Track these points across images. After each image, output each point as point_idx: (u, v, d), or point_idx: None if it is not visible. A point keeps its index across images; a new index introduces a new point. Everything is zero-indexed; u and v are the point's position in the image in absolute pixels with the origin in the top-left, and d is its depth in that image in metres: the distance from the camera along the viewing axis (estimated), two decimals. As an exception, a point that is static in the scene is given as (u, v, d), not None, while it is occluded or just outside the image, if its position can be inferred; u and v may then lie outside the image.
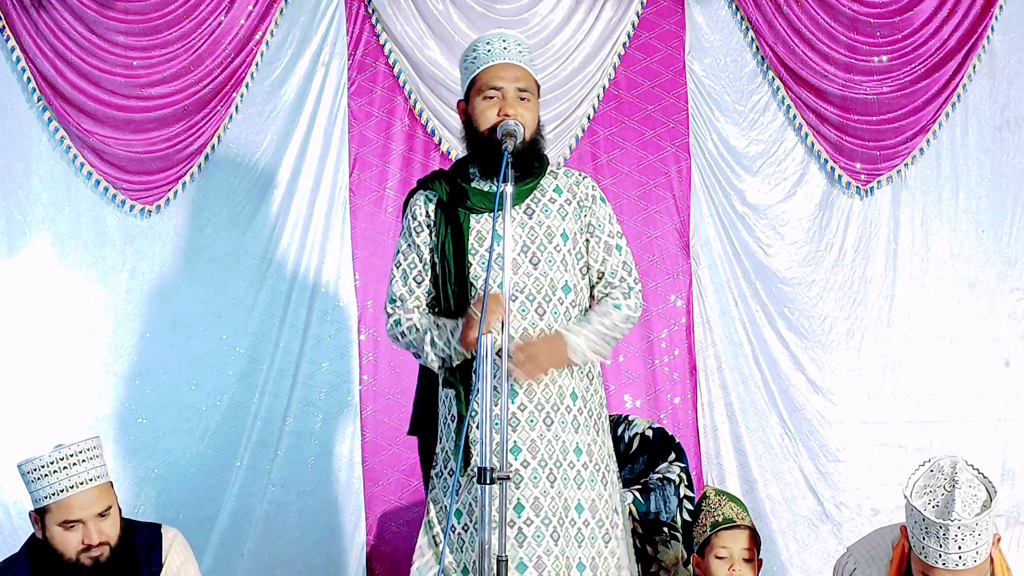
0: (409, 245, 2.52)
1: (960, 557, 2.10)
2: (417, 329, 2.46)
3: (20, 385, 3.75)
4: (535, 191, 2.49)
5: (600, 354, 2.45)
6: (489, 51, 2.45)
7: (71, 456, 2.32)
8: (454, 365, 2.40)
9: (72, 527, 2.31)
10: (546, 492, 2.38)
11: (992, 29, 4.03)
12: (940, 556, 2.11)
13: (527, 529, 2.35)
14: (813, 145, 4.04)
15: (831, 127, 4.02)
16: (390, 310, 2.55)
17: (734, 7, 4.05)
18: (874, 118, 4.01)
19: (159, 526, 2.50)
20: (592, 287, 2.55)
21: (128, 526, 2.44)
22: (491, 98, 2.42)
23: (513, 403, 2.39)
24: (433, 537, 2.48)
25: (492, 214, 2.35)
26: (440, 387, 2.53)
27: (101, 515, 2.34)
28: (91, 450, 2.36)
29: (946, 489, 2.14)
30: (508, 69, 2.43)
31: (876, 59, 3.98)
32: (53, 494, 2.30)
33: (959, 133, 4.07)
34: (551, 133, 3.87)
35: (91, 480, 2.33)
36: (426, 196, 2.52)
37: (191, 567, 2.49)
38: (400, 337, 2.51)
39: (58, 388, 3.76)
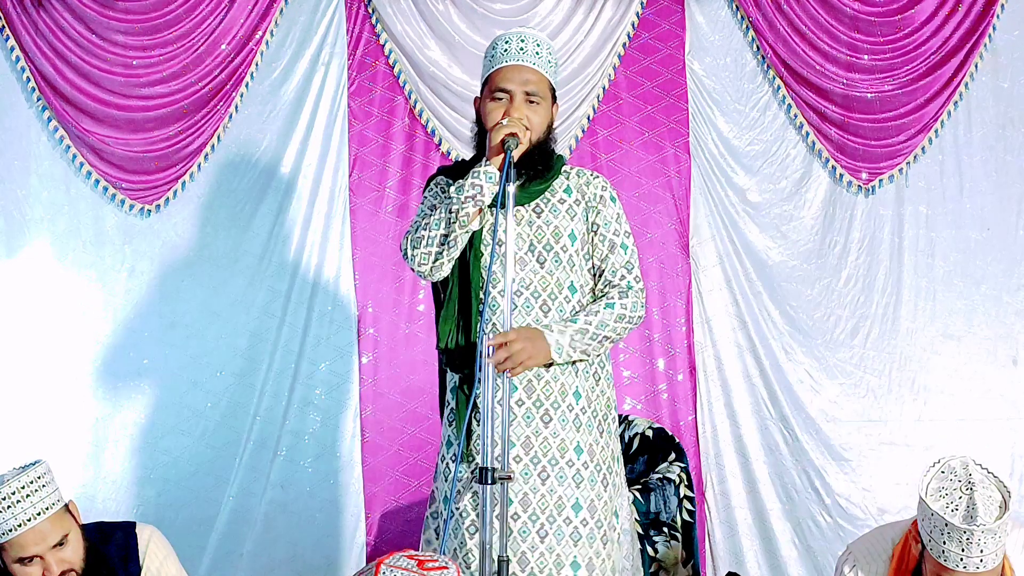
0: (431, 207, 2.48)
1: (981, 560, 2.10)
2: (429, 213, 2.41)
3: (18, 384, 3.74)
4: (545, 191, 2.49)
5: (586, 353, 2.41)
6: (505, 51, 2.44)
7: (13, 494, 2.16)
8: (469, 212, 2.34)
9: (30, 562, 2.19)
10: (536, 489, 2.38)
11: (994, 27, 4.01)
12: (962, 559, 2.11)
13: (513, 524, 2.35)
14: (814, 144, 4.04)
15: (832, 126, 4.02)
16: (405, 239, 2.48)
17: (734, 6, 4.04)
18: (876, 116, 4.01)
19: (133, 525, 2.41)
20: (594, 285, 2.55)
21: (97, 536, 2.33)
22: (499, 99, 2.43)
23: (511, 398, 2.38)
24: (436, 529, 2.49)
25: (502, 211, 2.35)
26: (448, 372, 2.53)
27: (58, 544, 2.21)
28: (36, 481, 2.20)
29: (963, 491, 2.14)
30: (519, 71, 2.42)
31: (866, 57, 3.97)
32: (1, 534, 2.17)
33: (962, 131, 4.06)
34: (551, 134, 3.86)
35: (39, 514, 2.18)
36: (447, 181, 2.52)
37: (171, 565, 2.42)
38: (418, 232, 2.41)
39: (56, 388, 3.76)
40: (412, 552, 1.68)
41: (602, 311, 2.42)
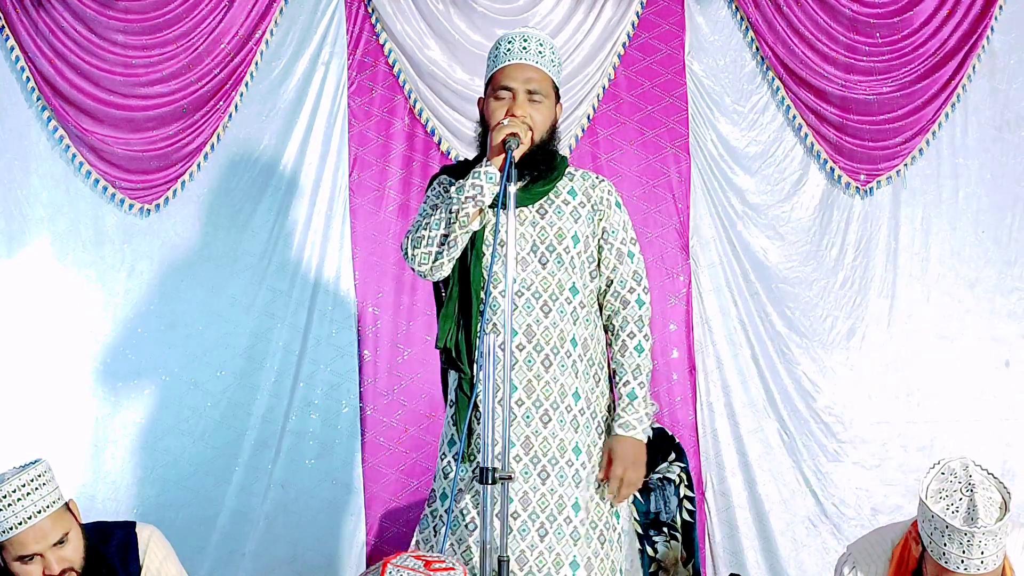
0: (432, 206, 2.50)
1: (982, 561, 2.12)
2: (430, 213, 2.43)
3: (18, 384, 3.74)
4: (549, 192, 2.50)
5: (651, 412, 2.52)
6: (508, 50, 2.46)
7: (13, 492, 2.18)
8: (470, 211, 2.35)
9: (30, 560, 2.20)
10: (536, 488, 2.39)
11: (992, 29, 4.03)
12: (963, 561, 2.12)
13: (513, 523, 2.36)
14: (812, 145, 4.05)
15: (830, 127, 4.03)
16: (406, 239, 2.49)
17: (734, 7, 4.05)
18: (874, 118, 4.02)
19: (133, 525, 2.42)
20: (600, 293, 2.55)
21: (97, 536, 2.34)
22: (502, 98, 2.44)
23: (511, 398, 2.39)
24: (434, 527, 2.49)
25: (503, 211, 2.36)
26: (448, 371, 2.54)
27: (59, 543, 2.22)
28: (36, 479, 2.22)
29: (964, 493, 2.15)
30: (521, 70, 2.43)
31: (864, 59, 3.98)
32: (2, 532, 2.19)
33: (959, 133, 4.08)
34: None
35: (39, 512, 2.20)
36: (450, 181, 2.52)
37: (171, 565, 2.42)
38: (419, 232, 2.42)
39: (56, 387, 3.76)
40: (419, 552, 1.69)
41: (641, 362, 2.49)
